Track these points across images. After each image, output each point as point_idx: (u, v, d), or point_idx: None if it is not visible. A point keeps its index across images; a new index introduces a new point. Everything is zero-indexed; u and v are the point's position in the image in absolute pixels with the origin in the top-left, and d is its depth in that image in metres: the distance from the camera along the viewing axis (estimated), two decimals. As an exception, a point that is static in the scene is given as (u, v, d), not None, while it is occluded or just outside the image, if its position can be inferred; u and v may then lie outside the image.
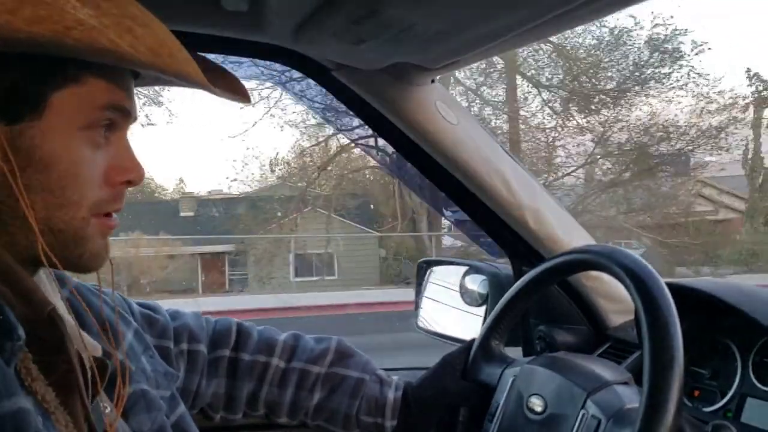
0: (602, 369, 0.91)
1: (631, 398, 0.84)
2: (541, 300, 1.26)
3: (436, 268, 1.55)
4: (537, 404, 0.90)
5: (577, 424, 0.84)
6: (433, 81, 1.13)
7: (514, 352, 1.28)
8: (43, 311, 0.60)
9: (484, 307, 1.36)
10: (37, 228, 0.62)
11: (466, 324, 1.42)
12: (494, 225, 1.24)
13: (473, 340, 1.08)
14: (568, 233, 1.22)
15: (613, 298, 1.26)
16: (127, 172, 0.68)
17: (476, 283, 1.39)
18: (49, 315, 0.61)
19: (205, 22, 0.98)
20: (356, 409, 1.05)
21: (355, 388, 1.06)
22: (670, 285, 0.83)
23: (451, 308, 1.48)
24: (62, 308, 0.70)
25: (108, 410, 0.72)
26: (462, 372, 1.06)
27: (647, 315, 0.78)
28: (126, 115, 0.68)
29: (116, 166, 0.68)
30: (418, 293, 1.55)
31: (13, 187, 0.60)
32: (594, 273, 1.20)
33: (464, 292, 1.41)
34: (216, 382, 1.06)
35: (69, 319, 0.70)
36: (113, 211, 0.69)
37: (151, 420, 0.80)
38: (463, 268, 1.44)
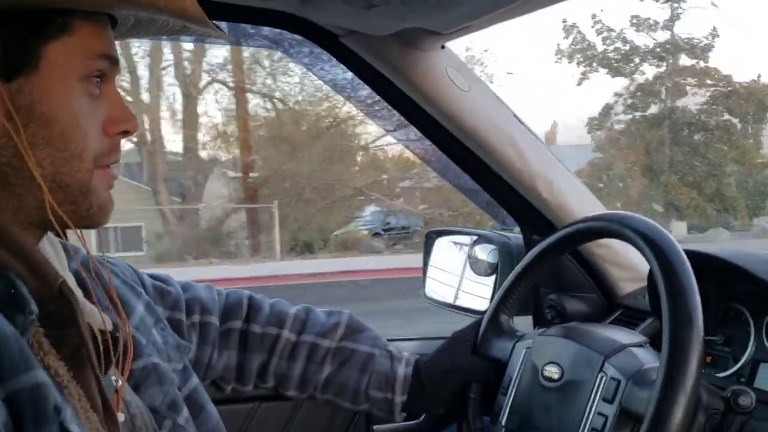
0: (617, 334, 0.91)
1: (649, 359, 0.84)
2: (551, 268, 1.25)
3: (443, 238, 1.54)
4: (553, 372, 0.90)
5: (595, 387, 0.84)
6: (443, 47, 1.11)
7: (524, 321, 1.29)
8: (53, 285, 0.60)
9: (493, 277, 1.35)
10: (45, 186, 0.61)
11: (475, 293, 1.41)
12: (505, 193, 1.23)
13: (482, 317, 1.08)
14: (580, 202, 1.21)
15: (623, 266, 1.26)
16: (123, 122, 0.68)
17: (485, 253, 1.38)
18: (60, 289, 0.60)
19: (211, -12, 0.96)
20: (365, 384, 1.05)
21: (365, 363, 1.05)
22: (684, 251, 0.83)
23: (459, 278, 1.48)
24: (71, 281, 0.70)
25: (119, 383, 0.71)
26: (472, 348, 1.05)
27: (666, 279, 0.78)
28: (115, 64, 0.67)
29: (112, 117, 0.67)
30: (426, 263, 1.55)
31: (19, 145, 0.59)
32: (604, 241, 1.19)
33: (473, 261, 1.41)
34: (227, 354, 1.05)
35: (78, 292, 0.69)
36: (112, 162, 0.69)
37: (163, 393, 0.80)
38: (472, 238, 1.43)
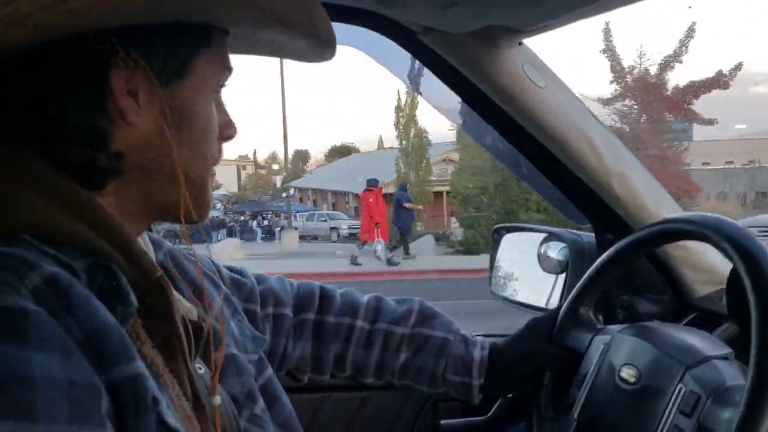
0: (700, 342, 0.88)
1: (733, 375, 0.81)
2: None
3: (511, 234, 1.54)
4: (630, 375, 0.89)
5: (673, 398, 0.82)
6: (520, 43, 1.10)
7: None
8: (152, 277, 0.62)
9: (563, 275, 1.34)
10: (183, 181, 0.67)
11: (543, 291, 1.40)
12: (578, 191, 1.21)
13: (560, 306, 1.07)
14: (656, 202, 1.19)
15: (700, 268, 1.22)
16: (231, 129, 0.75)
17: (555, 251, 1.37)
18: (158, 281, 0.63)
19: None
20: (443, 368, 1.06)
21: (441, 348, 1.07)
22: None
23: (526, 275, 1.47)
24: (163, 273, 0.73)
25: (202, 371, 0.74)
26: (549, 336, 1.05)
27: (756, 292, 0.74)
28: (230, 75, 0.73)
29: (225, 123, 0.74)
30: (493, 258, 1.54)
31: (170, 144, 0.65)
32: (680, 242, 1.17)
33: (543, 259, 1.39)
34: (302, 345, 1.08)
35: (170, 283, 0.72)
36: (218, 162, 0.74)
37: (241, 383, 0.83)
38: (542, 235, 1.42)
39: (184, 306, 0.75)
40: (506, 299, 1.50)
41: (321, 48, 0.73)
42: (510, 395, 1.21)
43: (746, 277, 0.76)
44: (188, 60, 0.66)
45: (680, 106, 16.39)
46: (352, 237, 18.26)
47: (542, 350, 1.05)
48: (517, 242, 1.51)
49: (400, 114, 24.24)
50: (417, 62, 1.19)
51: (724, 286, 1.04)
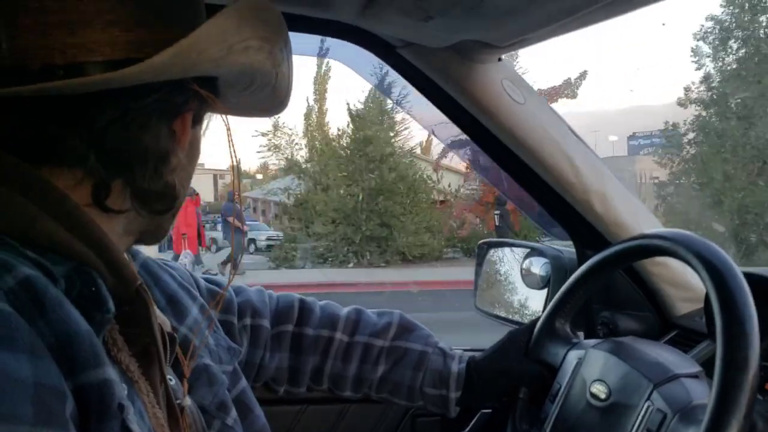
0: (671, 359, 0.87)
1: (700, 394, 0.80)
2: (604, 285, 1.23)
3: (495, 250, 1.54)
4: (601, 391, 0.88)
5: (640, 415, 0.82)
6: (500, 59, 1.11)
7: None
8: (131, 286, 0.63)
9: (545, 290, 1.33)
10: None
11: (526, 306, 1.40)
12: (559, 207, 1.22)
13: (538, 319, 1.07)
14: (635, 218, 1.19)
15: (681, 286, 1.22)
16: None
17: (538, 266, 1.37)
18: (138, 290, 0.64)
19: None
20: (420, 381, 1.06)
21: (419, 361, 1.07)
22: (744, 274, 0.79)
23: (510, 290, 1.47)
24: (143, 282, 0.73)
25: (173, 382, 0.74)
26: (525, 349, 1.05)
27: (723, 311, 0.74)
28: None
29: None
30: (478, 273, 1.54)
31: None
32: (661, 259, 1.16)
33: (525, 274, 1.39)
34: (279, 357, 1.08)
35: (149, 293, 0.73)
36: None
37: (213, 394, 0.83)
38: (525, 251, 1.42)
39: (161, 316, 0.75)
40: (491, 314, 1.49)
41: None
42: (488, 409, 1.21)
43: (713, 294, 0.76)
44: (203, 108, 0.71)
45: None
46: (269, 248, 17.97)
47: (518, 364, 1.04)
48: (502, 257, 1.51)
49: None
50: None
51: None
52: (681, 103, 13.99)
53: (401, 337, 1.09)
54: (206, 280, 1.03)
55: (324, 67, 20.58)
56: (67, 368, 0.53)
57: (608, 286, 1.26)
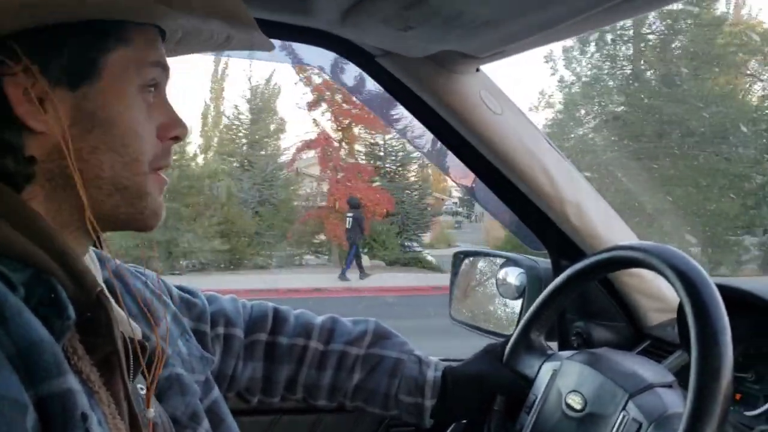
0: (645, 369, 0.88)
1: (675, 403, 0.81)
2: (578, 296, 1.24)
3: (471, 259, 1.54)
4: (576, 402, 0.89)
5: (616, 425, 0.82)
6: (478, 70, 1.11)
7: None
8: (92, 293, 0.61)
9: (520, 301, 1.34)
10: (105, 188, 0.65)
11: (501, 316, 1.41)
12: (534, 218, 1.22)
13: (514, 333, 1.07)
14: (610, 229, 1.20)
15: (654, 296, 1.24)
16: (175, 128, 0.72)
17: (513, 276, 1.38)
18: (98, 297, 0.62)
19: (252, 5, 0.97)
20: (395, 389, 1.06)
21: (394, 368, 1.06)
22: (716, 285, 0.81)
23: (485, 300, 1.47)
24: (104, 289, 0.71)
25: (143, 391, 0.72)
26: (502, 361, 1.05)
27: (697, 321, 0.75)
28: (166, 71, 0.71)
29: (165, 123, 0.70)
30: (453, 283, 1.54)
31: (82, 150, 0.63)
32: (634, 270, 1.17)
33: (501, 284, 1.40)
34: (252, 366, 1.06)
35: (111, 300, 0.71)
36: (164, 166, 0.72)
37: (185, 404, 0.81)
38: (500, 260, 1.42)
39: (127, 323, 0.73)
40: (466, 324, 1.49)
41: (246, 33, 0.72)
42: (462, 421, 1.20)
43: (688, 305, 0.77)
44: (97, 60, 0.63)
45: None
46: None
47: (495, 374, 1.04)
48: (477, 267, 1.51)
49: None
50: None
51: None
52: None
53: (377, 344, 1.08)
54: (179, 288, 1.01)
55: (221, 65, 19.96)
56: (28, 378, 0.52)
57: (583, 296, 1.27)
